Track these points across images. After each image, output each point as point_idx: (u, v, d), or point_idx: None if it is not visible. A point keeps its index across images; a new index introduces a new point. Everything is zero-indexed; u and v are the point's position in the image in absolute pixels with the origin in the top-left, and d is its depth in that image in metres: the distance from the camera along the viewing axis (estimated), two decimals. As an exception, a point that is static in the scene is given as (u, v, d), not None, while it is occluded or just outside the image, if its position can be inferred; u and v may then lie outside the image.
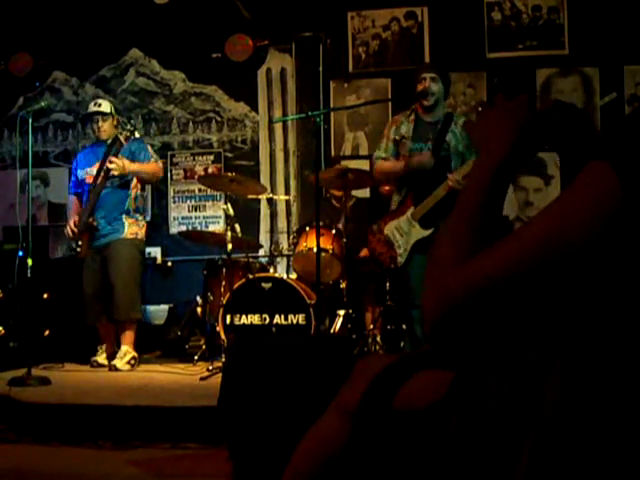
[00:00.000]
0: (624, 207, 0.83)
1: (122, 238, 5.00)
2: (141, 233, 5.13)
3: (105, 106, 5.15)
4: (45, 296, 5.78)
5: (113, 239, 4.99)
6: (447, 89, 4.38)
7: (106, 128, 5.12)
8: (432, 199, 4.16)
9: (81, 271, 5.08)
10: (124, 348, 4.98)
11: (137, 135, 5.13)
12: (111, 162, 4.88)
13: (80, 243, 4.93)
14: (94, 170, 5.06)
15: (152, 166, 5.11)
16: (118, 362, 4.89)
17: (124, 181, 5.03)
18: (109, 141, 5.10)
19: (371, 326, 4.99)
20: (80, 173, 5.16)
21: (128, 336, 5.02)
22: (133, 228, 5.06)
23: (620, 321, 0.87)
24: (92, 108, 5.17)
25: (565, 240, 0.86)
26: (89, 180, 5.06)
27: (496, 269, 0.89)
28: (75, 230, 4.97)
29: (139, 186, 5.15)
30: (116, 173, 4.90)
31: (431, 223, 4.18)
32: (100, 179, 4.96)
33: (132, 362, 4.96)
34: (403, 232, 4.26)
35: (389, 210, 4.40)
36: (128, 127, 5.01)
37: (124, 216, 5.04)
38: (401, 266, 4.27)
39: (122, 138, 4.94)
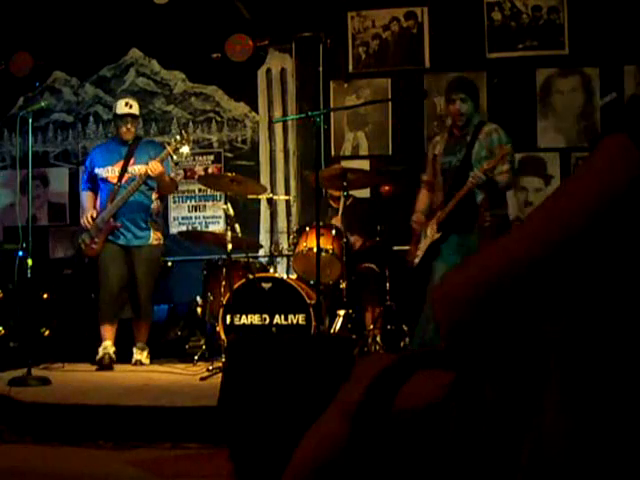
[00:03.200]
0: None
1: (150, 244, 5.17)
2: (162, 238, 5.32)
3: (136, 108, 5.25)
4: (45, 296, 5.78)
5: (142, 244, 5.13)
6: (477, 103, 4.50)
7: (133, 130, 5.23)
8: (452, 202, 4.31)
9: (95, 268, 5.17)
10: (141, 344, 5.17)
11: (187, 150, 5.19)
12: (154, 167, 4.95)
13: (97, 240, 5.05)
14: (116, 169, 5.14)
15: (173, 181, 5.27)
16: (142, 357, 5.09)
17: (150, 186, 5.13)
18: (130, 141, 5.21)
19: (371, 326, 4.99)
20: (99, 171, 5.21)
21: (144, 333, 5.21)
22: (157, 234, 5.23)
23: (622, 322, 0.87)
24: (124, 109, 5.20)
25: (586, 212, 0.83)
26: (112, 179, 5.14)
27: (521, 252, 0.85)
28: (91, 223, 5.08)
29: (158, 192, 5.27)
30: (153, 175, 4.98)
31: (442, 227, 4.31)
32: (132, 182, 5.05)
33: (148, 356, 5.19)
34: (425, 235, 4.42)
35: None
36: (178, 139, 5.04)
37: (149, 221, 5.17)
38: (416, 267, 4.43)
39: (170, 149, 4.99)
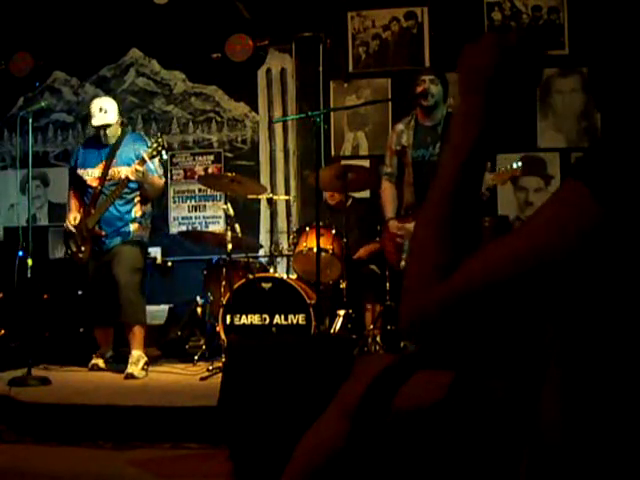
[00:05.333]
0: (600, 225, 0.84)
1: (128, 240, 4.86)
2: (146, 235, 5.00)
3: (112, 113, 4.92)
4: (45, 297, 5.77)
5: (118, 242, 4.84)
6: (446, 92, 4.40)
7: (113, 133, 4.93)
8: None
9: (83, 273, 4.96)
10: (136, 353, 4.75)
11: (165, 157, 4.87)
12: (135, 170, 4.67)
13: (83, 249, 4.83)
14: (97, 172, 4.88)
15: (158, 181, 4.93)
16: (134, 369, 4.65)
17: (131, 190, 4.85)
18: (113, 140, 4.93)
19: (371, 326, 4.99)
20: (81, 172, 4.95)
21: (138, 339, 4.81)
22: (139, 232, 4.91)
23: (610, 325, 0.87)
24: (99, 118, 4.89)
25: (541, 254, 0.86)
26: (93, 183, 4.88)
27: (474, 281, 0.89)
28: (73, 229, 4.85)
29: (141, 194, 4.95)
30: (133, 178, 4.71)
31: None
32: (113, 188, 4.80)
33: (145, 367, 4.76)
34: (409, 237, 4.31)
35: (401, 213, 4.45)
36: (155, 146, 4.72)
37: (130, 223, 4.88)
38: (403, 270, 4.34)
39: (146, 156, 4.67)
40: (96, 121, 4.92)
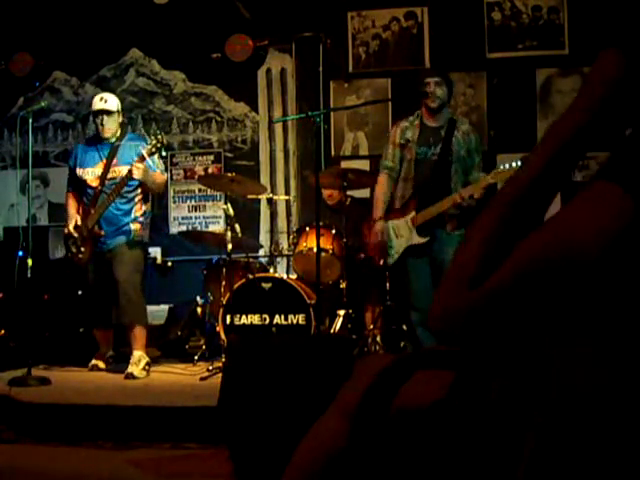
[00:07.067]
0: (634, 224, 0.83)
1: (129, 240, 4.82)
2: (146, 235, 4.97)
3: (111, 103, 4.91)
4: (45, 297, 5.77)
5: (119, 242, 4.80)
6: (450, 93, 4.42)
7: (111, 126, 4.88)
8: (435, 209, 4.21)
9: (83, 274, 4.95)
10: (137, 354, 4.73)
11: (164, 154, 4.85)
12: (137, 168, 4.63)
13: (83, 250, 4.80)
14: (97, 171, 4.84)
15: (160, 177, 4.90)
16: (135, 370, 4.64)
17: (132, 188, 4.81)
18: (113, 139, 4.89)
19: (371, 326, 4.99)
20: (80, 172, 4.90)
21: (140, 340, 4.78)
22: (140, 232, 4.88)
23: (619, 326, 0.87)
24: (98, 104, 4.90)
25: (570, 255, 0.86)
26: (92, 182, 4.84)
27: (501, 284, 0.90)
28: (74, 233, 4.83)
29: (142, 193, 4.93)
30: (137, 177, 4.67)
31: (427, 232, 4.23)
32: (113, 186, 4.76)
33: (147, 368, 4.74)
34: (399, 234, 4.31)
35: (392, 208, 4.43)
36: (154, 142, 4.68)
37: (131, 223, 4.85)
38: (390, 266, 4.35)
39: (145, 152, 4.64)
40: (95, 106, 4.91)
